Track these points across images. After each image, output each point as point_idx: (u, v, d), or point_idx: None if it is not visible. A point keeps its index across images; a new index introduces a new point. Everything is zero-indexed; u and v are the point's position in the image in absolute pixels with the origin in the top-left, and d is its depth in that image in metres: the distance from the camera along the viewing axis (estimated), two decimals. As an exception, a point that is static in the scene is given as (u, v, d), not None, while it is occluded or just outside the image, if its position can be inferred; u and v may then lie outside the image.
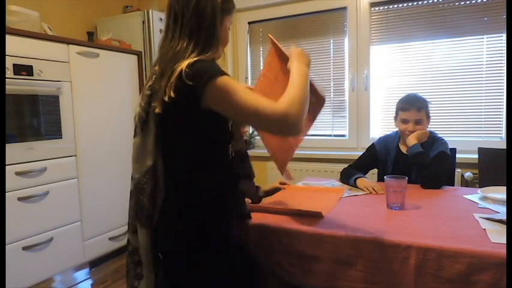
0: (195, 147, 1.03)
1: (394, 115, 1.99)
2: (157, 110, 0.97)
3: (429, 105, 1.94)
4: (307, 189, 1.85)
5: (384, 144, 2.04)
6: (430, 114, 1.95)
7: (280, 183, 1.83)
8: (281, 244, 1.25)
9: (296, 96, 0.94)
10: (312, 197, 1.68)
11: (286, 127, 0.92)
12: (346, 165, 2.01)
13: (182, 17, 1.00)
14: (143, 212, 1.06)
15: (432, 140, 1.91)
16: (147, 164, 1.04)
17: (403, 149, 1.94)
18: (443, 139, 1.92)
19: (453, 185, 2.09)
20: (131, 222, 1.11)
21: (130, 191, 1.10)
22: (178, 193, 1.05)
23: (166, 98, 0.93)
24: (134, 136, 1.09)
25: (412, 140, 1.84)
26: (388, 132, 2.12)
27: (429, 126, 1.97)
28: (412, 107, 1.88)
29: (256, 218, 1.34)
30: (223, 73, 0.95)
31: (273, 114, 0.90)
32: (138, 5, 3.40)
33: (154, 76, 1.02)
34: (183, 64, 0.94)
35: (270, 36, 1.24)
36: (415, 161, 1.80)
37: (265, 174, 2.94)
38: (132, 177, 1.10)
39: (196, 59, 0.96)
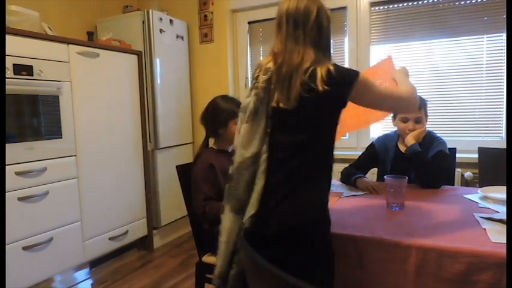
0: (325, 143, 1.16)
1: (392, 114, 1.99)
2: (284, 105, 1.10)
3: (427, 105, 1.94)
4: None
5: (383, 143, 2.04)
6: (429, 114, 1.95)
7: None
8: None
9: (410, 86, 1.32)
10: None
11: (411, 104, 1.27)
12: (346, 165, 2.01)
13: (304, 26, 1.13)
14: (235, 196, 1.15)
15: (431, 139, 1.91)
16: (251, 150, 1.13)
17: (402, 148, 1.94)
18: (441, 139, 1.92)
19: (453, 185, 2.09)
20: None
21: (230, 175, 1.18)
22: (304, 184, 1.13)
23: (320, 88, 1.05)
24: (244, 123, 1.17)
25: (410, 140, 1.84)
26: (388, 132, 2.11)
27: (429, 126, 1.97)
28: None
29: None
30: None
31: (401, 96, 1.24)
32: (138, 5, 3.40)
33: (270, 72, 1.14)
34: (327, 65, 1.07)
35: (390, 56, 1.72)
36: (414, 160, 1.80)
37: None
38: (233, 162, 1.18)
39: (334, 63, 1.11)
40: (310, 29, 1.13)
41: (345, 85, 1.09)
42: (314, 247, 1.11)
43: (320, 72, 1.06)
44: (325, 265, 1.14)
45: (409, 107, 1.30)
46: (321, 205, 1.14)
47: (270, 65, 1.16)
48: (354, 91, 1.10)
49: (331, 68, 1.07)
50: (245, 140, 1.14)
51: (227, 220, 1.16)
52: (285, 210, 1.10)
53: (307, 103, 1.08)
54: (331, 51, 1.21)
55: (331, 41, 1.22)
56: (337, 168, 2.04)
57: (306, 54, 1.11)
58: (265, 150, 1.13)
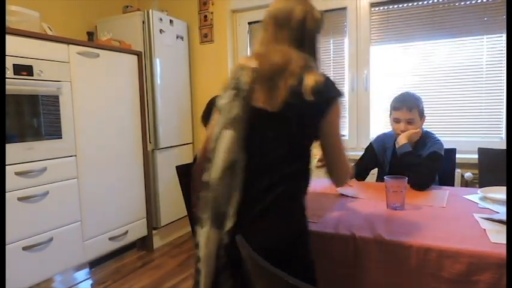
0: (304, 155, 1.10)
1: (389, 113, 1.99)
2: (267, 107, 1.04)
3: (423, 104, 1.91)
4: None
5: (381, 143, 2.04)
6: (428, 114, 1.93)
7: None
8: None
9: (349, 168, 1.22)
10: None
11: (342, 180, 1.22)
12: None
13: (288, 27, 1.09)
14: (214, 207, 1.06)
15: (425, 139, 1.89)
16: (232, 157, 1.04)
17: None
18: (438, 139, 1.89)
19: (453, 185, 2.09)
20: None
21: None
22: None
23: (307, 97, 1.00)
24: (226, 128, 1.06)
25: (402, 140, 1.83)
26: (387, 131, 2.11)
27: (429, 126, 1.95)
28: (403, 106, 1.86)
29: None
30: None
31: (348, 163, 1.17)
32: (138, 5, 3.40)
33: (253, 73, 1.07)
34: (317, 75, 1.03)
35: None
36: (404, 160, 1.79)
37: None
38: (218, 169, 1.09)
39: (325, 75, 1.06)
40: (295, 30, 1.09)
41: (329, 99, 1.04)
42: (294, 265, 1.01)
43: (308, 80, 1.01)
44: (307, 278, 1.06)
45: (339, 179, 1.19)
46: (301, 221, 1.09)
47: (253, 64, 1.09)
48: (333, 111, 1.05)
49: (321, 78, 1.03)
50: (225, 147, 1.04)
51: (203, 235, 1.05)
52: (264, 226, 1.03)
53: (292, 108, 1.02)
54: (317, 56, 1.14)
55: (318, 45, 1.15)
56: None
57: (289, 55, 1.06)
58: (243, 158, 1.04)
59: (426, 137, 1.91)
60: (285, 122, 1.04)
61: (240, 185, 1.04)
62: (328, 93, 1.04)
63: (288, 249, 1.04)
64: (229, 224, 1.02)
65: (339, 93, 1.06)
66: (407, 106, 1.85)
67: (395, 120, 1.90)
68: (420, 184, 1.73)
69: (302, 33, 1.10)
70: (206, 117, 1.77)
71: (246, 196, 1.04)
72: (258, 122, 1.06)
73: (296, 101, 1.01)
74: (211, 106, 1.75)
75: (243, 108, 1.05)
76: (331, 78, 1.08)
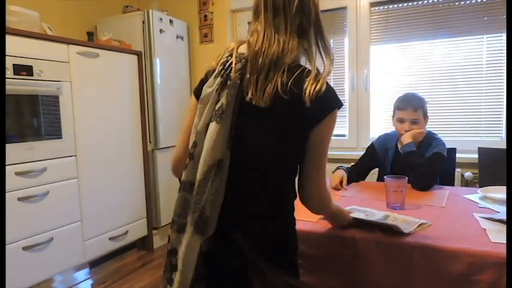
0: (290, 163, 1.01)
1: (392, 114, 1.99)
2: (256, 102, 0.91)
3: (427, 105, 1.92)
4: None
5: (382, 143, 2.03)
6: (428, 114, 1.94)
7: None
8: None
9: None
10: None
11: (318, 205, 1.07)
12: (346, 165, 2.01)
13: (285, 12, 0.95)
14: (198, 209, 0.96)
15: (430, 140, 1.90)
16: (217, 156, 0.93)
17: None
18: (441, 140, 1.89)
19: (453, 185, 2.09)
20: None
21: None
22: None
23: (305, 100, 0.89)
24: (212, 120, 0.94)
25: (406, 139, 1.83)
26: (388, 131, 2.11)
27: (429, 126, 1.96)
28: (409, 106, 1.86)
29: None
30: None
31: (325, 185, 1.04)
32: (138, 5, 3.40)
33: (244, 60, 0.95)
34: (317, 82, 0.92)
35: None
36: (408, 159, 1.80)
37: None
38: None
39: (327, 82, 0.94)
40: (294, 16, 0.95)
41: (327, 109, 0.93)
42: (281, 266, 0.95)
43: (310, 83, 0.91)
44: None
45: (310, 197, 1.02)
46: (290, 223, 1.03)
47: (243, 50, 0.97)
48: (327, 121, 0.94)
49: (323, 86, 0.91)
50: (212, 143, 0.92)
51: (185, 242, 0.95)
52: (254, 228, 0.96)
53: (284, 105, 0.91)
54: (326, 45, 1.01)
55: (324, 33, 1.01)
56: (331, 168, 2.04)
57: (287, 45, 0.93)
58: (228, 156, 0.93)
59: (430, 138, 1.90)
60: (274, 119, 0.93)
61: (225, 186, 0.94)
62: (328, 102, 0.93)
63: (277, 251, 0.98)
64: (210, 230, 0.93)
65: (339, 105, 0.95)
66: (412, 106, 1.86)
67: (400, 120, 1.89)
68: (422, 184, 1.73)
69: (303, 19, 0.96)
70: None
71: (231, 198, 0.94)
72: (245, 116, 0.94)
73: (289, 100, 0.90)
74: None
75: (231, 99, 0.93)
76: (332, 86, 0.96)
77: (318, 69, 0.96)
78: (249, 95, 0.92)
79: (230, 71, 0.94)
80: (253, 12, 1.00)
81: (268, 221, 0.98)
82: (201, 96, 0.97)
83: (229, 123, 0.93)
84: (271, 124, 0.94)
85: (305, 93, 0.90)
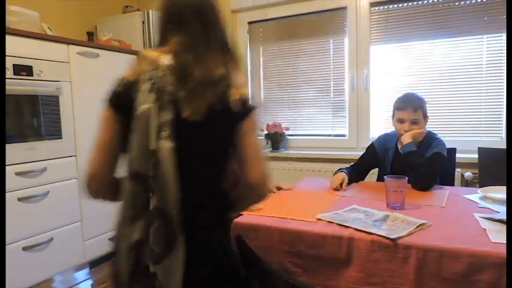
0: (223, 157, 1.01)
1: (392, 114, 1.99)
2: (192, 116, 0.92)
3: (427, 105, 1.92)
4: (301, 193, 1.80)
5: (382, 143, 2.03)
6: (428, 114, 1.94)
7: (277, 188, 1.82)
8: (282, 244, 1.26)
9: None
10: (306, 201, 1.66)
11: (264, 193, 1.03)
12: (346, 165, 2.01)
13: (214, 27, 1.00)
14: None
15: (430, 140, 1.89)
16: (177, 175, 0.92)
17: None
18: (441, 140, 1.89)
19: (453, 185, 2.09)
20: None
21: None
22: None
23: (233, 107, 0.94)
24: (166, 139, 0.90)
25: (406, 139, 1.83)
26: (388, 132, 2.11)
27: (429, 126, 1.96)
28: (408, 106, 1.86)
29: (257, 219, 1.35)
30: None
31: (265, 166, 1.00)
32: (138, 5, 3.40)
33: (174, 73, 0.93)
34: (242, 87, 0.97)
35: None
36: (408, 159, 1.80)
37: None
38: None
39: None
40: (220, 31, 1.00)
41: (250, 109, 0.97)
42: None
43: (234, 91, 0.94)
44: None
45: (256, 176, 0.98)
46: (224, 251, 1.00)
47: (166, 61, 0.93)
48: (248, 122, 0.96)
49: (246, 90, 0.98)
50: (172, 162, 0.89)
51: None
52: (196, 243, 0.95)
53: (216, 116, 0.93)
54: (236, 56, 1.06)
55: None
56: (337, 169, 2.04)
57: (216, 60, 0.96)
58: (151, 170, 0.89)
59: (430, 138, 1.90)
60: (210, 131, 0.95)
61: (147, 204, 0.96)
62: (249, 104, 0.97)
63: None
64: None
65: (256, 107, 1.00)
66: (412, 106, 1.85)
67: (400, 121, 1.89)
68: (422, 184, 1.73)
69: (225, 34, 1.01)
70: None
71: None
72: (184, 132, 0.92)
73: (221, 108, 0.93)
74: None
75: (172, 115, 0.89)
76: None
77: (240, 77, 1.00)
78: (184, 110, 0.91)
79: (162, 86, 0.90)
80: (176, 15, 0.98)
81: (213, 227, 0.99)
82: (137, 113, 0.89)
83: (175, 140, 0.89)
84: (207, 137, 0.95)
85: (233, 100, 0.94)
